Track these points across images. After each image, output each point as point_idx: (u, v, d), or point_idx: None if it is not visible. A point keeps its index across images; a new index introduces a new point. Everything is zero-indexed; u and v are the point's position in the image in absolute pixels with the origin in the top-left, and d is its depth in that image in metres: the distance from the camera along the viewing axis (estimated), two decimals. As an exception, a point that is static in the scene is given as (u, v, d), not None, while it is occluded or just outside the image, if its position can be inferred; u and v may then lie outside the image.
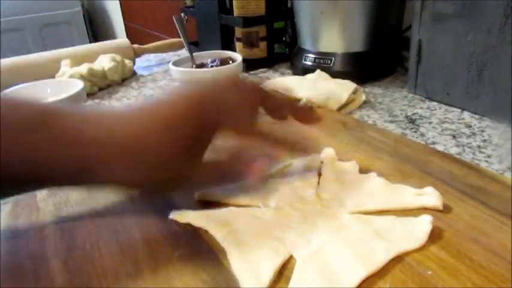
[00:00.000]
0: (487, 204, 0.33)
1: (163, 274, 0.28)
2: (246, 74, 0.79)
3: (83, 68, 0.71)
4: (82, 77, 0.70)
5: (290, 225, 0.31)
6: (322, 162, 0.40)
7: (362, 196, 0.35)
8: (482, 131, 0.50)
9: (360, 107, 0.59)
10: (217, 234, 0.31)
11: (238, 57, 0.72)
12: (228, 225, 0.32)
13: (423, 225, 0.30)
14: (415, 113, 0.56)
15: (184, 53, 0.96)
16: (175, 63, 0.70)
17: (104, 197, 0.37)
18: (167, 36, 1.56)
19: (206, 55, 0.77)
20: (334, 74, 0.66)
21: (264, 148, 0.35)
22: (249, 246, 0.29)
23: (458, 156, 0.43)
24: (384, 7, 0.67)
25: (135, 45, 0.87)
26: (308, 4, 0.70)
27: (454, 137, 0.49)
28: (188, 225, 0.32)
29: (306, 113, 0.38)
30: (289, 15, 0.81)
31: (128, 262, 0.29)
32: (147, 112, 0.31)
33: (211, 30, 0.86)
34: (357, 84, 0.61)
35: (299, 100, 0.55)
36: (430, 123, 0.53)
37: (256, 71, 0.80)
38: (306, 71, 0.70)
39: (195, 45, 0.95)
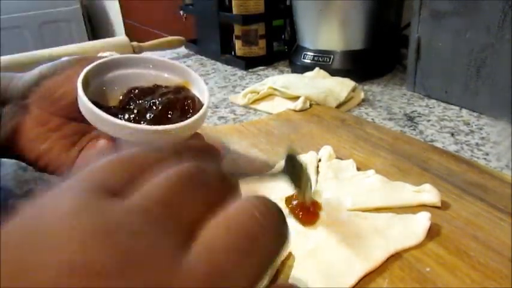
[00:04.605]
0: (486, 200, 0.33)
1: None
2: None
3: (82, 66, 0.71)
4: (81, 75, 0.70)
5: (288, 222, 0.31)
6: (320, 160, 0.40)
7: (360, 193, 0.35)
8: (481, 129, 0.50)
9: (359, 105, 0.59)
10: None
11: (201, 88, 0.37)
12: (227, 223, 0.32)
13: (422, 222, 0.30)
14: (413, 111, 0.56)
15: (183, 50, 0.96)
16: (90, 74, 0.35)
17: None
18: (166, 34, 1.56)
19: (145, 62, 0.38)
20: (333, 72, 0.66)
21: None
22: (247, 243, 0.29)
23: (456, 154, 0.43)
24: (382, 4, 0.67)
25: (134, 43, 0.87)
26: (307, 2, 0.70)
27: (452, 134, 0.49)
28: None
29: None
30: (288, 13, 0.81)
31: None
32: None
33: (211, 28, 0.86)
34: (356, 82, 0.61)
35: (298, 98, 0.55)
36: (429, 121, 0.53)
37: (255, 69, 0.80)
38: (305, 68, 0.70)
39: (194, 43, 0.95)
